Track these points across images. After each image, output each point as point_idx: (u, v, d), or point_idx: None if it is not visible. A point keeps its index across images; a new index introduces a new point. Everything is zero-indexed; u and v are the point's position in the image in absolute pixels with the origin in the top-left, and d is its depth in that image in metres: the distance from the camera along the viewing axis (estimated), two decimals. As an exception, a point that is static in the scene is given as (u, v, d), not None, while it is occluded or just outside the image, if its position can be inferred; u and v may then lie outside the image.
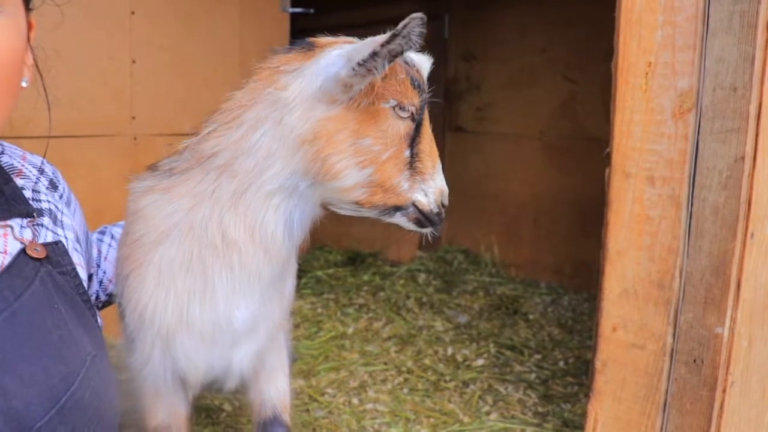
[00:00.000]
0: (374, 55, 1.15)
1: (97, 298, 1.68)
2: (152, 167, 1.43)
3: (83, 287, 1.18)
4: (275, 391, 1.63)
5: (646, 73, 1.55)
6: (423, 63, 1.32)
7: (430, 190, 1.31)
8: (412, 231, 1.36)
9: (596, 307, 1.72)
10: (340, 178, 1.23)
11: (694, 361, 1.56)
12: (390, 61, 1.17)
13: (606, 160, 1.68)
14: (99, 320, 1.23)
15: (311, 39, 1.31)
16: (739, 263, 1.49)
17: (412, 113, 1.26)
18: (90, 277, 1.61)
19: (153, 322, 1.36)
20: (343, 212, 1.34)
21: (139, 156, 2.94)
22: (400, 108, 1.25)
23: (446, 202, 1.35)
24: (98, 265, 1.68)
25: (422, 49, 1.30)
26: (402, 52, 1.16)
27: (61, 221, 1.24)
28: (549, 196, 4.03)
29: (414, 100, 1.26)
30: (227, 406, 2.54)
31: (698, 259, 1.53)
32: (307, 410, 2.53)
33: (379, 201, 1.28)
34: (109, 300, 1.69)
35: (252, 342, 1.48)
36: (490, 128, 4.27)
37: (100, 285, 1.68)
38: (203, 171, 1.31)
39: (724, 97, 1.45)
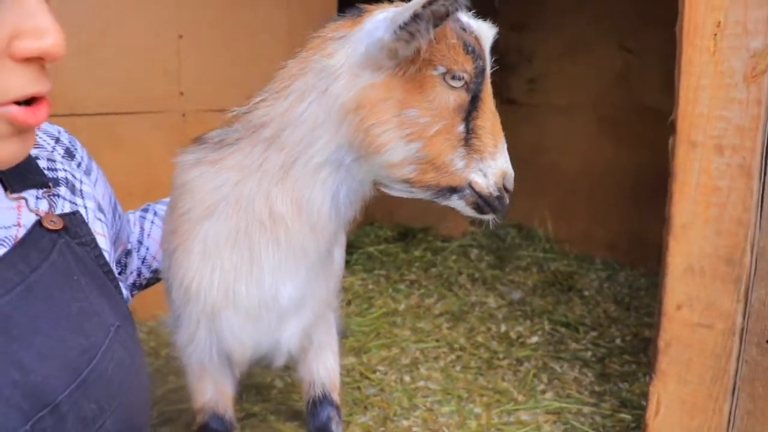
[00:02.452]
0: (416, 17, 1.06)
1: (140, 275, 1.67)
2: (199, 140, 1.41)
3: (104, 258, 1.15)
4: (324, 369, 1.61)
5: (715, 34, 1.44)
6: (483, 30, 1.21)
7: (490, 170, 1.19)
8: (470, 216, 1.26)
9: (659, 284, 1.63)
10: (384, 152, 1.16)
11: (767, 341, 1.46)
12: (435, 25, 1.08)
13: (670, 129, 1.58)
14: (124, 292, 1.20)
15: (362, 5, 1.24)
16: (817, 237, 1.39)
17: (466, 82, 1.16)
18: (129, 252, 1.60)
19: (198, 298, 1.34)
20: (394, 192, 1.26)
21: (188, 132, 2.92)
22: (451, 76, 1.15)
23: (510, 185, 1.23)
24: (141, 242, 1.67)
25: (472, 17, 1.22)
26: (447, 15, 1.07)
27: (81, 190, 1.21)
28: (603, 170, 3.90)
29: (467, 66, 1.15)
30: (278, 383, 2.54)
31: (772, 233, 1.43)
32: (359, 388, 2.51)
33: (432, 180, 1.19)
34: (154, 277, 1.69)
35: (299, 319, 1.45)
36: (543, 100, 4.14)
37: (143, 262, 1.67)
38: (252, 143, 1.27)
39: (803, 58, 1.34)
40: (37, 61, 0.87)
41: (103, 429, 0.98)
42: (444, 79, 1.16)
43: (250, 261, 1.30)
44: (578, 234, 4.05)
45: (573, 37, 3.93)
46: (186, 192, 1.34)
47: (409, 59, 1.14)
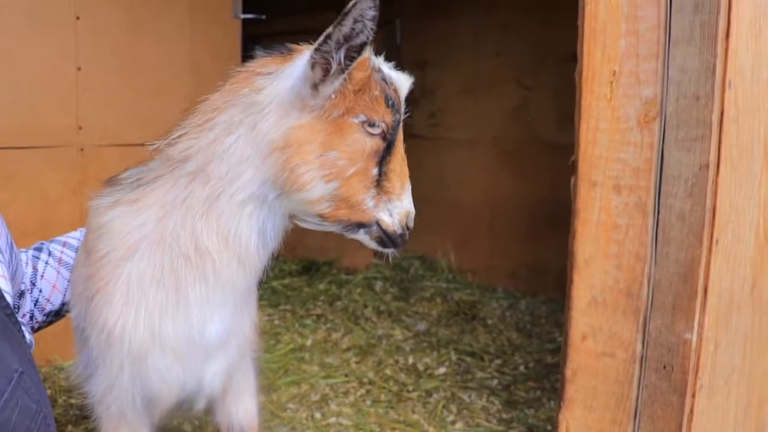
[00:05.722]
0: (328, 38, 1.15)
1: (32, 318, 1.59)
2: (112, 181, 1.38)
3: (6, 300, 1.10)
4: (243, 413, 1.58)
5: (611, 82, 1.55)
6: (402, 81, 1.31)
7: (396, 210, 1.29)
8: (373, 249, 1.35)
9: (565, 316, 1.71)
10: (306, 190, 1.22)
11: (664, 367, 1.56)
12: (350, 57, 1.16)
13: (571, 169, 1.67)
14: (27, 336, 1.15)
15: (291, 45, 1.30)
16: (705, 269, 1.50)
17: (384, 131, 1.25)
18: (22, 293, 1.52)
19: (122, 342, 1.30)
20: (306, 225, 1.32)
21: (86, 167, 2.82)
22: (370, 124, 1.23)
23: (411, 224, 1.34)
24: (33, 284, 1.59)
25: (376, 55, 1.29)
26: (358, 38, 1.15)
27: None
28: (503, 201, 4.05)
29: (386, 118, 1.24)
30: (187, 427, 2.46)
31: (666, 266, 1.54)
32: (270, 428, 2.47)
33: (344, 216, 1.26)
34: (47, 321, 1.62)
35: (224, 357, 1.45)
36: (444, 134, 4.27)
37: (35, 305, 1.59)
38: (173, 178, 1.27)
39: (688, 106, 1.46)
40: None
41: None
42: (363, 126, 1.23)
43: (177, 298, 1.29)
44: (480, 264, 4.17)
45: (473, 73, 4.09)
46: (103, 234, 1.30)
47: (333, 103, 1.19)
